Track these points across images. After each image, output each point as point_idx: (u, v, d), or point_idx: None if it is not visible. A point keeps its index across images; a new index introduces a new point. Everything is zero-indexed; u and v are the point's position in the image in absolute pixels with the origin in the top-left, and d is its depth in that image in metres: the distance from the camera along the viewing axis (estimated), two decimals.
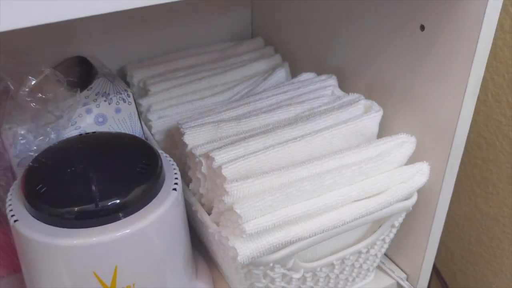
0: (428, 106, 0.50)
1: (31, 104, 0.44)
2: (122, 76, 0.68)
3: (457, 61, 0.45)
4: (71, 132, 0.54)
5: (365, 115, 0.51)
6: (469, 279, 0.79)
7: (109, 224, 0.41)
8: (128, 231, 0.41)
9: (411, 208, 0.50)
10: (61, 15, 0.27)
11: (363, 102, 0.52)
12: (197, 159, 0.48)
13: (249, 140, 0.48)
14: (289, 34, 0.71)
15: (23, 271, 0.46)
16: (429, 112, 0.50)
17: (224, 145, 0.48)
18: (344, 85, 0.61)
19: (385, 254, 0.61)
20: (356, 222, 0.46)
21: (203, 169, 0.47)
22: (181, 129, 0.50)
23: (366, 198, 0.46)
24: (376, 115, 0.51)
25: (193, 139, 0.50)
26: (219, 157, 0.46)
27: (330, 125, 0.50)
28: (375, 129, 0.52)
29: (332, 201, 0.44)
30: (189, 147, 0.49)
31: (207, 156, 0.46)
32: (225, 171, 0.44)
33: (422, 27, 0.48)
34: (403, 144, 0.49)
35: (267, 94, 0.57)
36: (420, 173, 0.48)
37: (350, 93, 0.54)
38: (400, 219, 0.51)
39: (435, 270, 0.60)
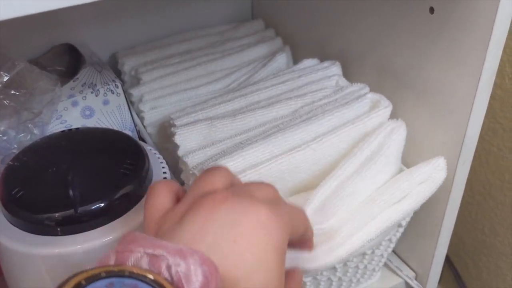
0: (438, 96, 0.46)
1: (5, 102, 0.41)
2: (114, 64, 0.65)
3: (469, 46, 0.41)
4: (56, 126, 0.51)
5: (373, 112, 0.47)
6: (482, 270, 0.76)
7: (91, 231, 0.38)
8: (111, 237, 0.38)
9: (419, 207, 0.46)
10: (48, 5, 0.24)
11: (370, 96, 0.48)
12: (190, 171, 0.44)
13: (248, 149, 0.44)
14: (291, 16, 0.66)
15: (6, 280, 0.44)
16: (439, 102, 0.46)
17: (219, 154, 0.44)
18: (350, 71, 0.56)
19: (393, 251, 0.57)
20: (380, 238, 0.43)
21: None
22: (172, 129, 0.47)
23: (388, 207, 0.43)
24: (385, 111, 0.47)
25: (185, 139, 0.46)
26: None
27: (337, 127, 0.46)
28: None
29: None
30: (180, 151, 0.46)
31: (202, 170, 0.43)
32: None
33: (432, 10, 0.43)
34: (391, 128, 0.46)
35: (265, 85, 0.52)
36: (438, 169, 0.45)
37: (353, 83, 0.50)
38: (408, 219, 0.47)
39: (446, 259, 0.58)
